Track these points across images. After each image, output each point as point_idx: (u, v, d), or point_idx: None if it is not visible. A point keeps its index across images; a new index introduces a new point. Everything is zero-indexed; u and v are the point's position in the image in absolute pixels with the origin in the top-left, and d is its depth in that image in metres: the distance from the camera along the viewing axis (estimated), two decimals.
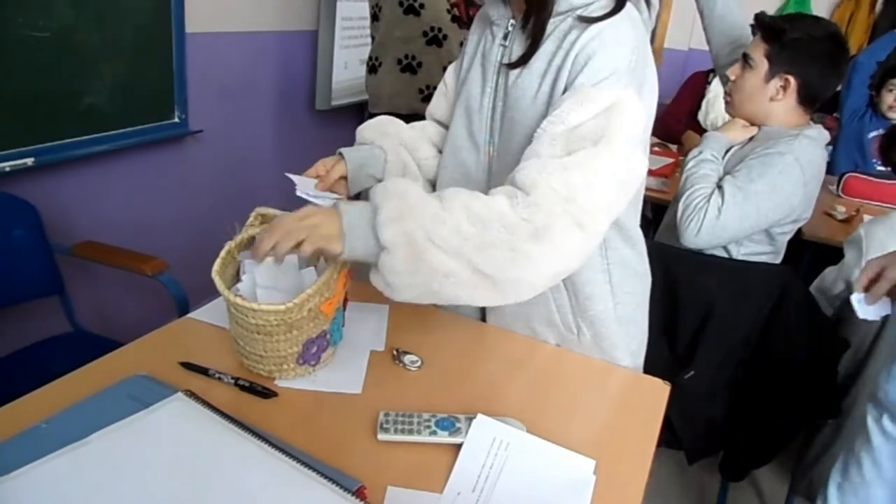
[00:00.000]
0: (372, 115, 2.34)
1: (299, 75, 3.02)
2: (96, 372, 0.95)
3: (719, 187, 1.60)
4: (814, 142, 1.61)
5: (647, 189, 1.88)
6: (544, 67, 0.96)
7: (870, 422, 1.14)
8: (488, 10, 1.04)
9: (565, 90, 0.93)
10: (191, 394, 0.87)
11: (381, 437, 0.85)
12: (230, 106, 2.65)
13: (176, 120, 2.32)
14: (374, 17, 2.25)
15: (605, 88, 0.88)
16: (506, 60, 1.01)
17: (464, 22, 2.19)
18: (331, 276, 0.91)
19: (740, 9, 1.81)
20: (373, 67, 2.26)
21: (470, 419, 0.88)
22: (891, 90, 2.96)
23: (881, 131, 3.05)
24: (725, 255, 1.68)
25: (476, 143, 1.08)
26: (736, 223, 1.57)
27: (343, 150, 1.16)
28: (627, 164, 0.89)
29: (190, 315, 1.15)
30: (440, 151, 1.21)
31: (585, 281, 1.07)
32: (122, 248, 1.85)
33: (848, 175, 2.81)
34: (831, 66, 1.59)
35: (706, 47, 1.89)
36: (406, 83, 2.20)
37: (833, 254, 1.99)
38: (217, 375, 0.95)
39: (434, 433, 0.86)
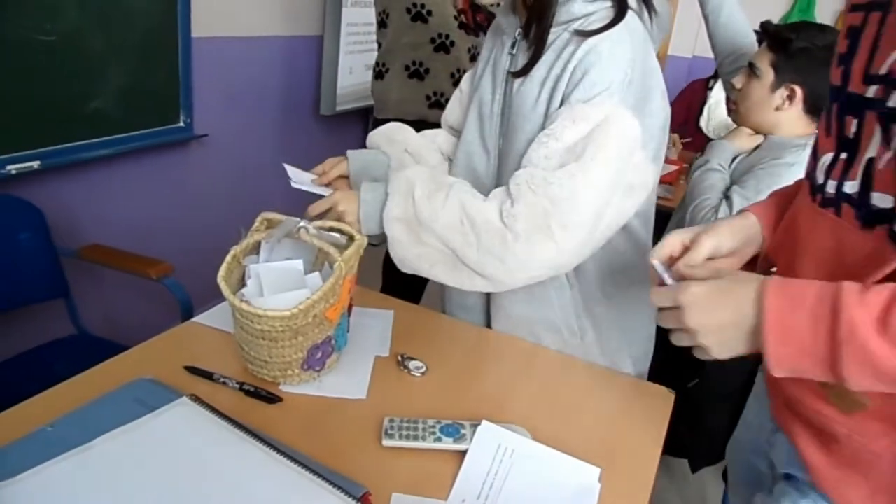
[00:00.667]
0: (377, 121, 2.35)
1: (304, 80, 3.03)
2: (101, 375, 0.95)
3: (727, 197, 1.60)
4: None
5: None
6: (544, 76, 0.98)
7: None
8: (500, 20, 1.07)
9: (562, 103, 0.95)
10: (196, 398, 0.87)
11: (386, 443, 0.85)
12: (235, 110, 2.66)
13: (181, 124, 2.33)
14: (382, 24, 2.26)
15: (598, 105, 0.91)
16: (511, 69, 1.03)
17: (471, 28, 2.19)
18: (336, 281, 0.91)
19: (745, 17, 1.81)
20: (379, 73, 2.27)
21: (475, 426, 0.88)
22: None
23: None
24: None
25: (487, 148, 1.10)
26: None
27: (349, 151, 1.20)
28: (618, 176, 0.92)
29: (195, 319, 1.15)
30: (449, 159, 1.24)
31: (590, 281, 1.08)
32: (128, 251, 1.86)
33: None
34: None
35: (710, 54, 1.89)
36: (413, 89, 2.20)
37: None
38: (222, 380, 0.95)
39: (439, 439, 0.86)
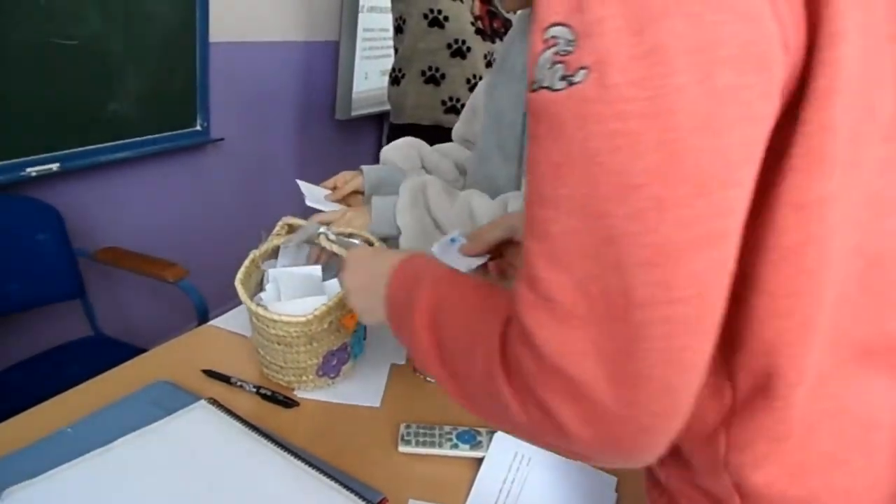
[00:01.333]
0: (394, 126, 2.36)
1: (320, 85, 3.04)
2: (119, 377, 0.96)
3: None
4: None
5: None
6: None
7: None
8: (525, 26, 1.07)
9: None
10: (214, 401, 0.87)
11: (403, 449, 0.85)
12: (251, 115, 2.67)
13: (198, 128, 2.35)
14: (398, 30, 2.27)
15: None
16: None
17: (487, 34, 2.20)
18: None
19: None
20: (396, 79, 2.28)
21: (491, 433, 0.87)
22: None
23: None
24: None
25: (506, 156, 1.09)
26: None
27: (364, 167, 1.19)
28: None
29: (211, 322, 1.16)
30: (464, 171, 1.25)
31: None
32: (144, 254, 1.87)
33: None
34: None
35: None
36: (429, 94, 2.21)
37: None
38: (239, 384, 0.96)
39: (455, 446, 0.86)
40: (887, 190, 0.41)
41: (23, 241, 1.69)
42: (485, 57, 2.23)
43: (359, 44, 3.01)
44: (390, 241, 1.05)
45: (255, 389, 0.95)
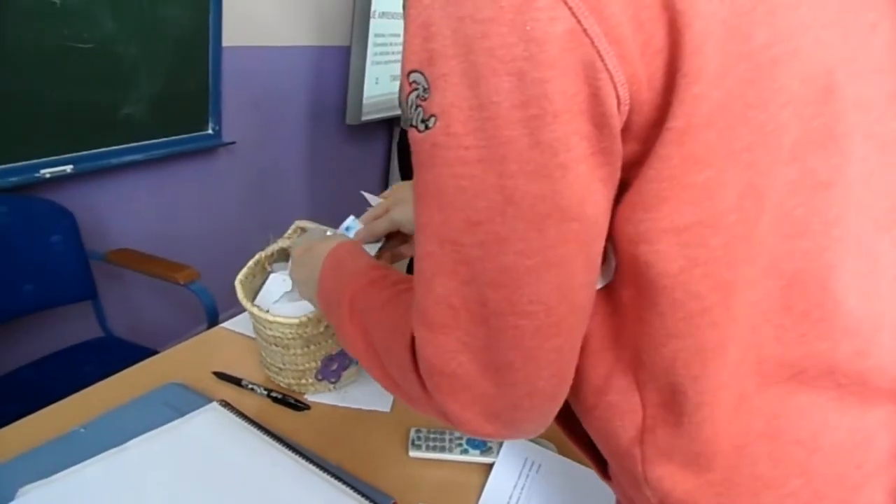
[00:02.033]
0: (403, 131, 2.35)
1: (331, 90, 3.06)
2: (132, 378, 0.97)
3: None
4: None
5: None
6: None
7: None
8: None
9: None
10: (226, 403, 0.88)
11: (413, 453, 0.85)
12: (263, 118, 2.69)
13: (210, 131, 2.36)
14: None
15: None
16: None
17: None
18: None
19: None
20: None
21: None
22: None
23: None
24: None
25: None
26: None
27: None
28: None
29: (222, 325, 1.16)
30: None
31: None
32: (155, 256, 1.88)
33: None
34: None
35: None
36: None
37: None
38: (250, 386, 0.96)
39: (465, 451, 0.86)
40: (800, 209, 0.42)
41: (36, 243, 1.70)
42: None
43: (370, 49, 3.02)
44: (390, 242, 0.99)
45: (265, 392, 0.95)
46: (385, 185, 3.46)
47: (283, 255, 1.04)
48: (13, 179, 1.71)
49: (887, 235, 0.45)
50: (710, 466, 0.45)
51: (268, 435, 0.82)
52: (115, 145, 2.01)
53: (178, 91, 2.19)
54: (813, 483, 0.44)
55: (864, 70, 0.44)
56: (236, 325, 1.15)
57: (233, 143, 2.48)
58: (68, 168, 1.85)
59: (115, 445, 0.77)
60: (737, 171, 0.39)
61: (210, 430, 0.82)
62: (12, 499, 0.70)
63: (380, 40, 3.06)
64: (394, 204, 0.92)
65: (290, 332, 0.89)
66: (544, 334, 0.43)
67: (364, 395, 0.99)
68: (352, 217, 0.95)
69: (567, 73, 0.36)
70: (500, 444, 0.86)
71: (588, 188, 0.39)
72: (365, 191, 1.09)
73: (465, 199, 0.40)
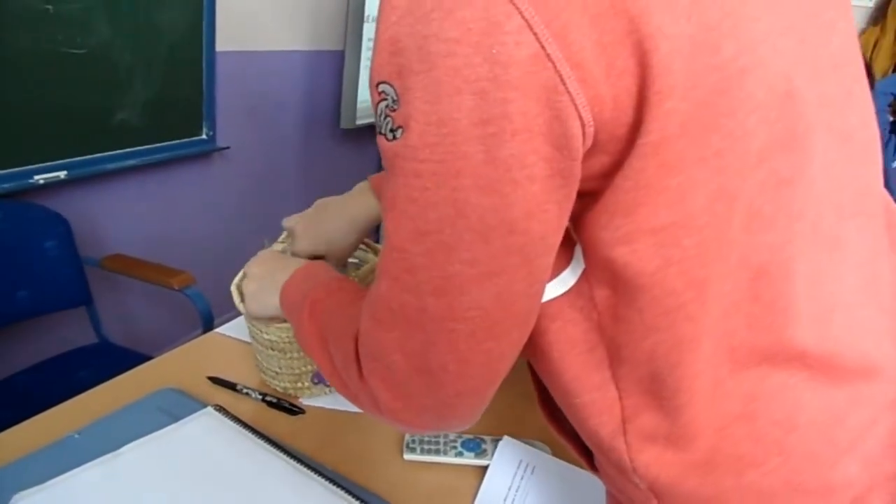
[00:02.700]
0: None
1: (325, 94, 3.06)
2: (126, 384, 0.97)
3: None
4: None
5: None
6: None
7: None
8: None
9: None
10: (220, 408, 0.88)
11: (408, 456, 0.86)
12: (257, 123, 2.69)
13: (204, 136, 2.36)
14: None
15: None
16: None
17: None
18: None
19: None
20: None
21: (496, 441, 0.88)
22: None
23: None
24: None
25: None
26: None
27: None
28: None
29: (217, 330, 1.16)
30: None
31: None
32: (150, 261, 1.88)
33: None
34: None
35: None
36: None
37: None
38: (245, 391, 0.96)
39: (460, 454, 0.86)
40: (767, 206, 0.44)
41: (30, 249, 1.70)
42: None
43: (363, 53, 3.02)
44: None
45: (260, 397, 0.95)
46: None
47: None
48: (7, 186, 1.71)
49: (852, 222, 0.48)
50: (693, 449, 0.47)
51: (262, 439, 0.83)
52: (109, 151, 2.01)
53: (172, 96, 2.19)
54: (791, 461, 0.46)
55: (824, 68, 0.47)
56: (231, 329, 1.15)
57: (227, 148, 2.48)
58: (62, 174, 1.85)
59: (109, 451, 0.77)
60: (707, 176, 0.42)
61: (205, 435, 0.82)
62: None
63: (372, 45, 3.06)
64: (290, 242, 0.95)
65: (287, 337, 0.90)
66: (478, 338, 0.45)
67: None
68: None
69: (529, 95, 0.38)
70: (495, 447, 0.87)
71: (539, 206, 0.41)
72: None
73: (416, 209, 0.42)
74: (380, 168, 1.34)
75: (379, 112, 0.43)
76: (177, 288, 1.72)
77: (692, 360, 0.45)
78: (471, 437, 0.89)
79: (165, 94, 2.15)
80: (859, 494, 0.47)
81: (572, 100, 0.38)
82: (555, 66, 0.37)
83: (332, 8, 2.96)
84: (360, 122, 3.17)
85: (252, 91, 2.62)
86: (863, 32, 4.70)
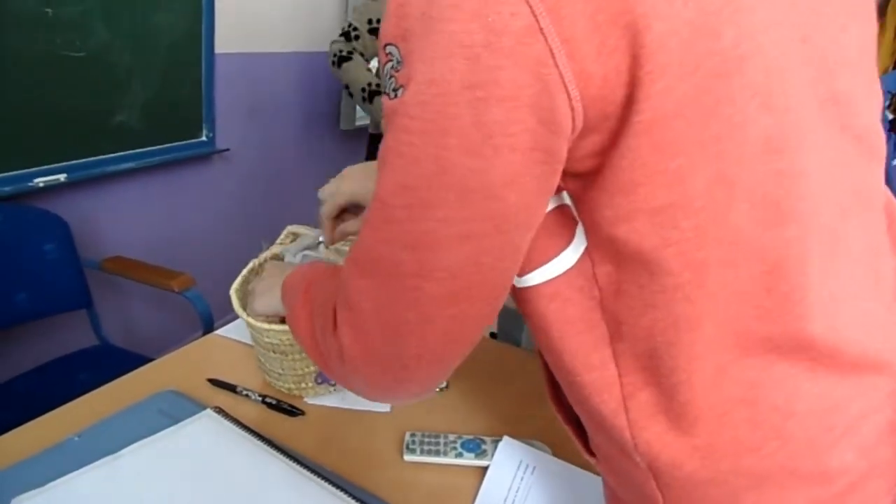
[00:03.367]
0: (373, 136, 2.35)
1: (324, 95, 3.06)
2: (126, 386, 0.97)
3: None
4: None
5: None
6: None
7: None
8: None
9: None
10: (220, 410, 0.88)
11: (408, 457, 0.85)
12: (256, 125, 2.69)
13: (204, 138, 2.36)
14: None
15: None
16: None
17: None
18: None
19: None
20: (371, 94, 2.20)
21: (496, 441, 0.88)
22: None
23: None
24: None
25: None
26: None
27: None
28: None
29: (217, 332, 1.16)
30: None
31: None
32: (150, 263, 1.88)
33: None
34: None
35: None
36: None
37: None
38: (244, 393, 0.96)
39: (460, 455, 0.86)
40: (786, 200, 0.45)
41: (30, 252, 1.70)
42: None
43: None
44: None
45: (260, 398, 0.95)
46: None
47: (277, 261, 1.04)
48: (6, 188, 1.71)
49: (854, 220, 0.49)
50: (694, 432, 0.48)
51: (262, 441, 0.82)
52: (108, 153, 2.01)
53: (171, 98, 2.19)
54: (788, 445, 0.47)
55: (832, 67, 0.47)
56: (231, 331, 1.15)
57: (227, 149, 2.48)
58: (62, 177, 1.85)
59: (109, 453, 0.77)
60: (706, 160, 0.43)
61: (204, 438, 0.82)
62: None
63: None
64: (341, 179, 0.93)
65: (288, 339, 0.90)
66: (442, 302, 0.47)
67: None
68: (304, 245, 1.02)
69: (519, 65, 0.39)
70: (495, 447, 0.87)
71: (518, 175, 0.43)
72: None
73: (402, 163, 0.44)
74: None
75: (385, 73, 0.45)
76: (177, 290, 1.72)
77: (690, 340, 0.46)
78: (471, 437, 0.89)
79: (165, 96, 2.15)
80: (856, 481, 0.48)
81: (560, 75, 0.40)
82: (546, 40, 0.39)
83: (331, 9, 2.96)
84: (359, 122, 3.17)
85: (251, 92, 2.62)
86: None
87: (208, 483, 0.76)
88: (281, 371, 0.95)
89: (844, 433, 0.47)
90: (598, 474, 0.84)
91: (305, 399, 0.97)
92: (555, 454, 0.88)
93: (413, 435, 0.89)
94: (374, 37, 2.18)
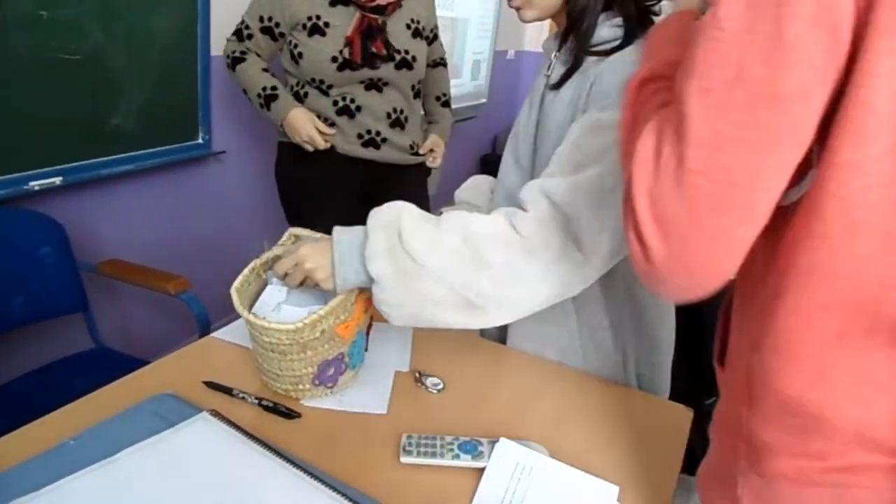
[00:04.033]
0: (281, 144, 2.15)
1: None
2: (122, 389, 0.96)
3: None
4: None
5: None
6: (572, 97, 0.97)
7: None
8: (543, 46, 1.07)
9: None
10: (216, 413, 0.87)
11: (404, 459, 0.85)
12: (252, 127, 2.68)
13: (200, 141, 2.36)
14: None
15: (609, 109, 0.88)
16: (547, 85, 1.03)
17: (357, 65, 1.90)
18: (346, 298, 0.92)
19: None
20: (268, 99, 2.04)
21: (493, 443, 0.88)
22: None
23: None
24: None
25: (521, 166, 1.09)
26: None
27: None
28: None
29: (213, 335, 1.16)
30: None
31: (594, 311, 1.08)
32: (146, 266, 1.88)
33: None
34: None
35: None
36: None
37: None
38: (240, 395, 0.96)
39: (457, 456, 0.86)
40: None
41: (26, 255, 1.69)
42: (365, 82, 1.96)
43: None
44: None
45: (256, 401, 0.95)
46: None
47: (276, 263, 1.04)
48: (1, 192, 1.70)
49: None
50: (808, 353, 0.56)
51: (258, 444, 0.82)
52: (104, 156, 2.00)
53: (167, 101, 2.18)
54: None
55: None
56: (227, 334, 1.15)
57: (223, 152, 2.47)
58: (57, 180, 1.84)
59: (104, 457, 0.77)
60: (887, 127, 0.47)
61: (200, 441, 0.82)
62: None
63: None
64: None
65: (287, 338, 0.90)
66: (711, 205, 0.51)
67: (361, 398, 0.99)
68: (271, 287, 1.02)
69: None
70: (492, 449, 0.87)
71: (806, 88, 0.48)
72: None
73: (704, 68, 0.50)
74: None
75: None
76: (173, 293, 1.72)
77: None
78: (467, 439, 0.89)
79: (160, 98, 2.14)
80: None
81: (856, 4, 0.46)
82: None
83: None
84: None
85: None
86: None
87: (204, 486, 0.75)
88: (279, 372, 0.95)
89: None
90: (595, 475, 0.84)
91: (302, 401, 0.97)
92: (552, 455, 0.88)
93: (409, 437, 0.89)
94: (267, 36, 1.98)
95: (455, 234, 0.87)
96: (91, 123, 1.94)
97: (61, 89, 1.82)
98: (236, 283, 0.96)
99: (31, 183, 1.78)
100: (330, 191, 2.06)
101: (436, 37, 2.24)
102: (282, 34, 1.97)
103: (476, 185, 1.26)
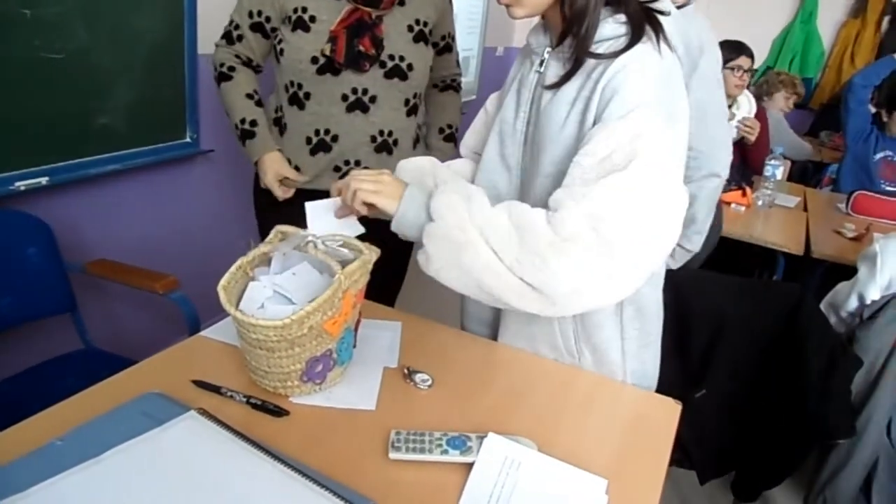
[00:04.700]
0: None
1: None
2: (110, 389, 0.96)
3: None
4: None
5: None
6: (573, 96, 0.95)
7: None
8: (530, 39, 1.05)
9: (594, 123, 0.92)
10: (204, 412, 0.87)
11: (393, 455, 0.86)
12: None
13: (187, 139, 2.35)
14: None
15: (633, 119, 0.87)
16: (542, 84, 1.02)
17: (338, 65, 1.65)
18: (333, 294, 0.91)
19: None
20: (244, 135, 1.88)
21: (481, 438, 0.88)
22: None
23: (889, 153, 3.05)
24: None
25: (508, 165, 1.09)
26: None
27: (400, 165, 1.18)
28: (662, 192, 0.88)
29: (202, 333, 1.16)
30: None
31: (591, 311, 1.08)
32: (134, 266, 1.87)
33: (857, 193, 2.81)
34: None
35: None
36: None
37: (842, 272, 1.98)
38: (229, 394, 0.96)
39: (445, 452, 0.86)
40: None
41: (13, 256, 1.68)
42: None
43: None
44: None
45: (245, 399, 0.95)
46: None
47: (265, 261, 1.04)
48: None
49: None
50: None
51: (246, 442, 0.82)
52: (91, 156, 1.99)
53: (154, 100, 2.17)
54: None
55: None
56: (216, 332, 1.15)
57: (211, 150, 2.46)
58: (44, 180, 1.83)
59: (92, 457, 0.77)
60: None
61: (187, 439, 0.82)
62: None
63: None
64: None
65: (275, 335, 0.90)
66: None
67: (349, 394, 0.99)
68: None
69: None
70: (480, 444, 0.87)
71: None
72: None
73: None
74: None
75: None
76: (161, 292, 1.71)
77: None
78: (456, 434, 0.89)
79: (147, 97, 2.13)
80: None
81: None
82: None
83: None
84: None
85: None
86: (843, 25, 4.74)
87: (192, 485, 0.75)
88: (267, 369, 0.95)
89: None
90: (583, 469, 0.85)
91: (290, 399, 0.97)
92: (540, 449, 0.89)
93: (398, 433, 0.89)
94: (258, 34, 1.75)
95: (503, 213, 0.92)
96: (78, 123, 1.93)
97: (46, 88, 1.80)
98: (223, 281, 0.96)
99: (17, 183, 1.76)
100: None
101: (449, 48, 1.87)
102: (273, 29, 1.73)
103: (420, 167, 1.20)
